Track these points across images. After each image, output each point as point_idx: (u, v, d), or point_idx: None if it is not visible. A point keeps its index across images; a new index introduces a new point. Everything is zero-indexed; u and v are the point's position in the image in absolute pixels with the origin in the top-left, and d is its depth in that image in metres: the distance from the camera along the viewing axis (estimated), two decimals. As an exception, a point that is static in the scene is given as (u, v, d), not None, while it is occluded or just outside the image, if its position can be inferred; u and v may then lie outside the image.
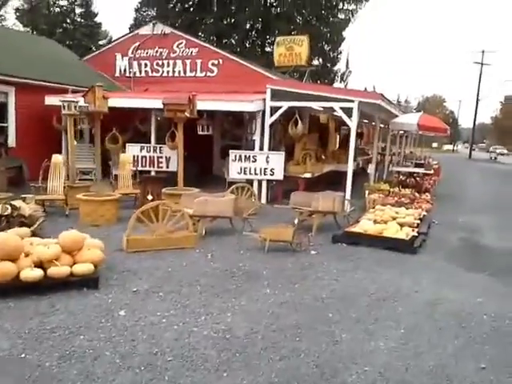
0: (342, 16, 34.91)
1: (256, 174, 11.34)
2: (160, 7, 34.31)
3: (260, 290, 5.37)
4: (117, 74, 17.31)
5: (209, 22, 33.51)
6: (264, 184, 11.46)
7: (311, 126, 18.65)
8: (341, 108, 10.60)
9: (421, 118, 13.02)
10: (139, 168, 12.03)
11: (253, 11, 31.74)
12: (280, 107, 11.07)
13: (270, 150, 11.51)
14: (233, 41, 35.56)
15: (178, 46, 16.07)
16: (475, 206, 12.92)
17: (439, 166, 19.93)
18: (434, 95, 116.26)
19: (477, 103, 48.55)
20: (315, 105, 11.15)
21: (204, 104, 10.30)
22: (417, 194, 12.43)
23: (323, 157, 13.42)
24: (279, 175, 11.31)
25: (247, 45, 36.60)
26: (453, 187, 17.06)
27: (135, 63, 16.93)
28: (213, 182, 11.60)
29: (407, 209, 9.48)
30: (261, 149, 11.39)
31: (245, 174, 11.35)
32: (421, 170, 14.21)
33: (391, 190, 12.78)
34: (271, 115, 11.19)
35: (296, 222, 8.66)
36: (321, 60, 38.55)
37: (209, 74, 16.05)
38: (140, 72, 17.09)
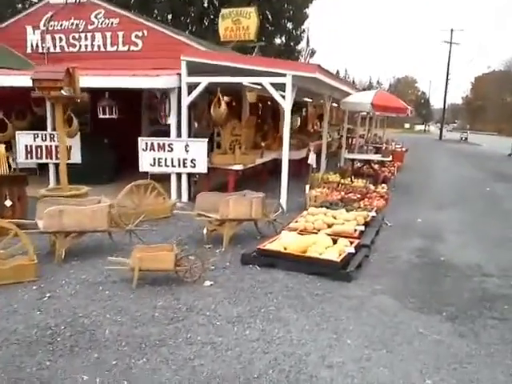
0: (304, -8, 32.73)
1: (173, 165, 9.21)
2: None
3: (73, 374, 3.29)
4: (28, 51, 14.72)
5: (163, -1, 30.77)
6: (184, 178, 9.35)
7: (256, 108, 16.60)
8: (272, 84, 8.50)
9: (376, 97, 11.03)
10: (33, 160, 9.83)
11: (210, -14, 29.21)
12: (199, 83, 8.93)
13: (191, 136, 9.38)
14: (189, 19, 32.95)
15: (96, 17, 13.60)
16: (439, 197, 11.07)
17: (402, 150, 18.13)
18: (405, 76, 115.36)
19: (446, 83, 47.14)
20: (243, 80, 9.01)
21: (92, 80, 8.05)
22: (372, 187, 10.51)
23: (263, 144, 11.33)
24: (202, 167, 9.21)
25: (206, 22, 34.04)
26: (417, 174, 15.24)
27: (48, 37, 14.38)
28: (134, 176, 9.40)
29: (349, 210, 7.50)
30: (179, 136, 9.25)
31: (159, 165, 9.20)
32: (376, 157, 12.26)
33: (342, 181, 10.85)
34: (189, 93, 9.04)
35: (205, 232, 6.64)
36: (283, 39, 36.43)
37: (132, 47, 13.65)
38: (54, 47, 14.55)
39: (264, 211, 6.84)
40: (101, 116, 9.19)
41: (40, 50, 14.76)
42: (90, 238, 6.16)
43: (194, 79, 8.99)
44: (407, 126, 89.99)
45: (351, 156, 11.91)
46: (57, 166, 9.10)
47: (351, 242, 6.06)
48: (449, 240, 7.22)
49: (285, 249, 5.63)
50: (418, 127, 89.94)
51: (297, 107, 17.40)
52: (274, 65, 8.48)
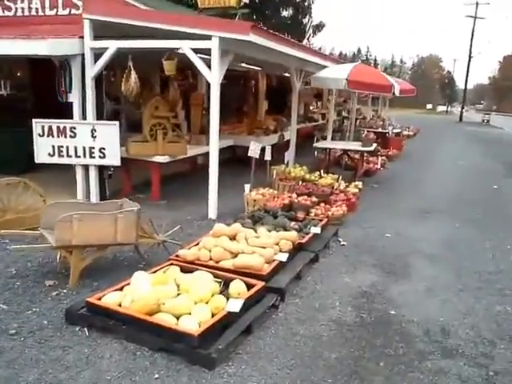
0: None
1: (78, 156, 7.18)
2: None
3: None
4: (-42, 14, 12.62)
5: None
6: (93, 173, 7.32)
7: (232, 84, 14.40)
8: (194, 50, 6.35)
9: (353, 72, 8.73)
10: None
11: None
12: (106, 49, 6.83)
13: (101, 118, 7.32)
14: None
15: (32, -26, 11.43)
16: (428, 199, 8.81)
17: (402, 136, 15.78)
18: (430, 55, 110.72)
19: (469, 61, 43.76)
20: (157, 45, 6.79)
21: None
22: (342, 184, 8.33)
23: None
24: (114, 158, 7.17)
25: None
26: (413, 165, 12.90)
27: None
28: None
29: (277, 227, 5.37)
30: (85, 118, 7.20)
31: (60, 155, 7.18)
32: (353, 147, 9.99)
33: (307, 176, 8.69)
34: (95, 62, 6.96)
35: (58, 259, 4.66)
36: (291, 11, 33.71)
37: (74, 11, 11.45)
38: (-12, 10, 12.39)
39: (146, 230, 4.78)
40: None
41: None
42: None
43: (100, 44, 6.89)
44: (429, 106, 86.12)
45: (321, 145, 9.66)
46: None
47: (250, 287, 3.98)
48: (415, 274, 5.04)
49: (126, 307, 3.56)
50: (440, 108, 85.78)
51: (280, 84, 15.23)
52: (196, 23, 6.30)
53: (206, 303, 3.58)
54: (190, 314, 3.47)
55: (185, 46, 6.35)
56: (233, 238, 4.91)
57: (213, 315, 3.49)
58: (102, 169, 7.44)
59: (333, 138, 12.81)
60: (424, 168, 12.51)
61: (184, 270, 4.27)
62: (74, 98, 7.13)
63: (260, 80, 13.84)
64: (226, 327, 3.49)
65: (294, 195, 7.14)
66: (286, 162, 8.64)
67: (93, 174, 7.33)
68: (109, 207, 4.73)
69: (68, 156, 7.19)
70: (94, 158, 7.18)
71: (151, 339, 3.33)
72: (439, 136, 24.37)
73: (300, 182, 8.17)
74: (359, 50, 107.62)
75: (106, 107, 7.56)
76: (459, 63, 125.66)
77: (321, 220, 6.14)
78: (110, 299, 3.63)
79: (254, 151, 7.18)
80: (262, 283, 4.09)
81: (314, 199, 7.12)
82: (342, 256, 5.48)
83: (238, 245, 4.64)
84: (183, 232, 5.94)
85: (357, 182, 8.65)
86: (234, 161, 10.25)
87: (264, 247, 4.66)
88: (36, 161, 7.22)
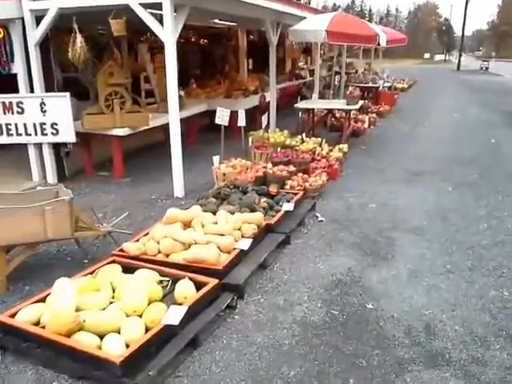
0: None
1: (28, 134, 6.49)
2: None
3: None
4: None
5: None
6: (47, 151, 6.64)
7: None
8: (144, 5, 5.53)
9: (333, 22, 7.86)
10: None
11: None
12: (47, 11, 6.02)
13: (51, 90, 6.58)
14: None
15: None
16: (419, 158, 8.13)
17: (394, 90, 14.94)
18: (426, 2, 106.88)
19: (466, 5, 41.95)
20: (105, 2, 5.94)
21: None
22: (325, 149, 7.63)
23: (181, 93, 8.39)
24: (68, 134, 6.47)
25: None
26: (407, 121, 12.11)
27: None
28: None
29: (243, 206, 4.72)
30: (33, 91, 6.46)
31: (9, 134, 6.48)
32: (335, 106, 9.19)
33: (288, 142, 7.98)
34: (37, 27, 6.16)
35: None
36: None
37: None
38: None
39: (85, 221, 4.13)
40: None
41: None
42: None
43: (40, 4, 6.06)
44: (427, 55, 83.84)
45: (301, 105, 8.87)
46: None
47: (201, 285, 3.37)
48: (398, 254, 4.42)
49: (41, 327, 2.95)
50: (438, 57, 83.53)
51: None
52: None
53: (141, 315, 2.98)
54: (119, 330, 2.87)
55: (132, 2, 5.52)
56: (189, 224, 4.28)
57: (149, 329, 2.89)
58: (58, 146, 6.76)
59: (322, 97, 11.99)
60: (417, 124, 11.73)
61: (126, 268, 3.67)
62: (17, 68, 6.36)
63: (240, 37, 12.90)
64: (167, 341, 2.90)
65: (270, 165, 6.46)
66: (263, 126, 7.89)
67: (47, 153, 6.65)
68: (40, 196, 4.06)
69: (18, 134, 6.51)
70: (46, 135, 6.49)
71: (70, 366, 2.75)
72: (435, 87, 23.37)
73: (278, 149, 7.45)
74: (353, 1, 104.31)
75: (57, 77, 6.76)
76: (456, 9, 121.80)
77: (295, 194, 5.48)
78: (25, 315, 3.02)
79: (221, 118, 6.45)
80: (215, 281, 3.48)
81: (292, 168, 6.45)
82: (317, 235, 4.85)
83: (191, 234, 4.01)
84: (143, 216, 5.33)
85: (342, 145, 7.94)
86: (211, 128, 9.49)
87: (222, 234, 4.02)
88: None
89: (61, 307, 2.92)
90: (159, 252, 3.92)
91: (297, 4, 9.75)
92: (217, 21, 10.21)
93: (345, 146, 7.94)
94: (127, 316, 2.98)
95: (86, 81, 7.45)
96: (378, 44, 8.21)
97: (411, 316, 3.39)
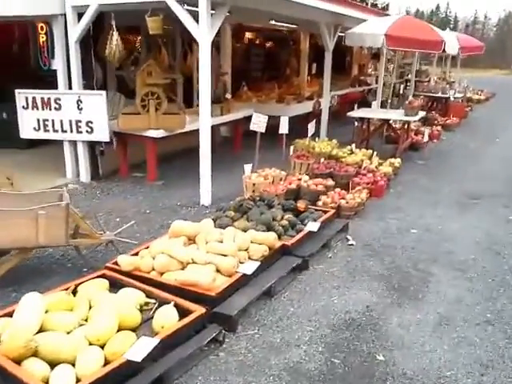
0: None
1: (64, 130, 6.42)
2: None
3: None
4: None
5: None
6: (81, 149, 6.55)
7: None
8: (181, 1, 5.25)
9: (394, 26, 7.23)
10: None
11: None
12: (87, 7, 5.92)
13: (91, 88, 6.49)
14: None
15: None
16: (481, 179, 7.28)
17: (467, 102, 13.84)
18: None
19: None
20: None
21: None
22: (374, 162, 7.03)
23: (228, 96, 8.10)
24: (102, 133, 6.35)
25: None
26: (473, 137, 11.06)
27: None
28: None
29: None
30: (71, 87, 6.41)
31: (45, 130, 6.46)
32: (391, 116, 8.47)
33: (335, 152, 7.46)
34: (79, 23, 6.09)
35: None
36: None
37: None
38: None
39: (84, 228, 3.88)
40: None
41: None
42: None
43: (81, 1, 5.96)
44: (516, 66, 78.55)
45: (355, 114, 8.25)
46: None
47: (187, 314, 2.98)
48: (431, 294, 3.79)
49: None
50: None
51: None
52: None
53: (102, 346, 2.63)
54: (74, 360, 2.54)
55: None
56: (195, 239, 3.91)
57: (108, 363, 2.54)
58: (93, 145, 6.65)
59: (384, 106, 11.27)
60: (487, 140, 10.69)
61: (114, 285, 3.35)
62: (57, 64, 6.32)
63: (302, 40, 12.45)
64: (130, 378, 2.54)
65: (306, 177, 5.96)
66: (309, 134, 7.39)
67: (81, 151, 6.55)
68: (42, 198, 3.84)
69: (54, 131, 6.46)
70: (81, 132, 6.40)
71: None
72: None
73: (322, 160, 6.91)
74: (438, 7, 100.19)
75: (97, 75, 6.66)
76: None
77: (325, 211, 4.96)
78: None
79: (257, 124, 6.04)
80: (202, 310, 3.07)
81: (331, 182, 5.92)
82: (342, 261, 4.31)
83: (190, 251, 3.62)
84: (161, 223, 5.05)
85: (394, 159, 7.29)
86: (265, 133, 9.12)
87: (225, 255, 3.62)
88: (21, 136, 6.53)
89: (18, 327, 2.63)
90: (153, 269, 3.57)
91: (360, 7, 9.13)
92: (274, 22, 9.81)
93: (397, 161, 7.30)
94: (90, 344, 2.64)
95: (129, 79, 7.32)
96: (444, 51, 7.45)
97: (428, 376, 2.81)
